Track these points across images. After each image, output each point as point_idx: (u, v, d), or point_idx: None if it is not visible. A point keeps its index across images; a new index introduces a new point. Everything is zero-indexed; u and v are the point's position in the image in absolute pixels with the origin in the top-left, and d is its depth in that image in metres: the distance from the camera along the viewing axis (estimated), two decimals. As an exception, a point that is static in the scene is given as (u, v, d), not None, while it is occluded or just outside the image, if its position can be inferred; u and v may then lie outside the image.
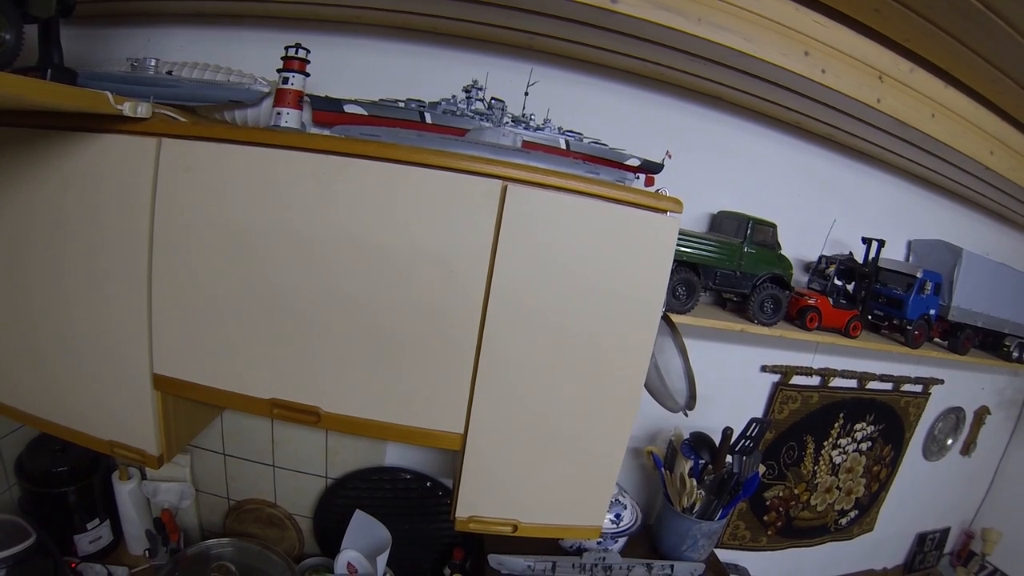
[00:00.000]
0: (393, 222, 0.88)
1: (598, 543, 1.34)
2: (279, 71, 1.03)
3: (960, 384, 2.09)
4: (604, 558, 1.33)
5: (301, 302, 0.91)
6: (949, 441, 2.21)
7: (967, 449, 2.27)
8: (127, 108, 0.84)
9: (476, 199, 0.88)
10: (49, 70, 0.85)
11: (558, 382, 0.98)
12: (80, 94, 0.77)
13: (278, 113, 1.04)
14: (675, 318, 1.23)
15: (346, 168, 0.88)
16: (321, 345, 0.93)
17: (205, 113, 1.16)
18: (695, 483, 1.38)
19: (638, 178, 1.15)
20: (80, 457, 1.37)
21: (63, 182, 0.92)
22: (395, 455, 1.50)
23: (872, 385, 1.85)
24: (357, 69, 1.28)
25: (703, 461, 1.41)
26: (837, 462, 1.90)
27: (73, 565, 1.33)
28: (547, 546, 1.37)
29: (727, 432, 1.38)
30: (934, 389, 2.01)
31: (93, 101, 0.78)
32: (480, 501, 1.06)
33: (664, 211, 0.94)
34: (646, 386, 1.16)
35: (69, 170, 0.91)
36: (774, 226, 1.36)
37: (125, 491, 1.43)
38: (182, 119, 0.99)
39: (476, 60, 1.29)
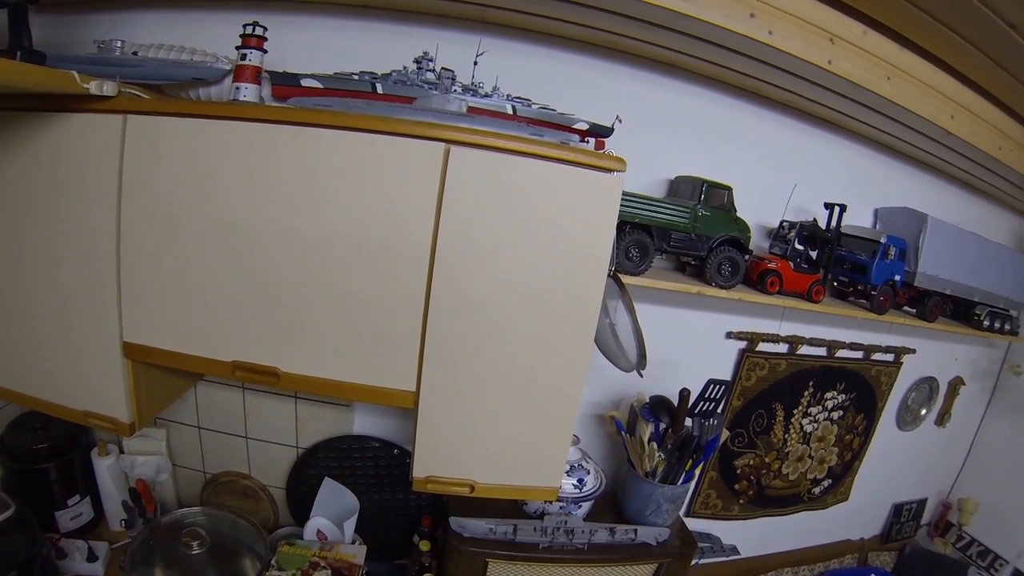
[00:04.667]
0: (342, 185, 0.91)
1: (560, 507, 1.37)
2: (238, 48, 1.06)
3: (932, 354, 2.11)
4: (566, 521, 1.35)
5: (259, 266, 0.95)
6: (923, 411, 2.23)
7: (941, 419, 2.29)
8: (93, 86, 0.87)
9: (420, 162, 0.92)
10: (18, 52, 0.88)
11: (508, 340, 1.00)
12: (47, 73, 0.80)
13: (237, 88, 1.08)
14: (631, 280, 1.25)
15: (296, 136, 0.91)
16: (280, 308, 0.97)
17: (170, 92, 1.19)
18: (655, 447, 1.40)
19: (587, 142, 1.17)
20: (60, 435, 1.39)
21: (35, 161, 0.95)
22: (363, 423, 1.53)
23: (842, 353, 1.87)
24: (315, 47, 1.30)
25: (663, 424, 1.43)
26: (808, 431, 1.92)
27: (55, 540, 1.36)
28: (510, 510, 1.40)
29: (684, 394, 1.40)
30: (906, 359, 2.02)
31: (60, 80, 0.82)
32: (437, 461, 1.09)
33: (609, 170, 0.96)
34: (601, 347, 1.19)
35: (39, 149, 0.95)
36: (729, 189, 1.38)
37: (104, 467, 1.46)
38: (147, 97, 1.02)
39: (430, 35, 1.30)
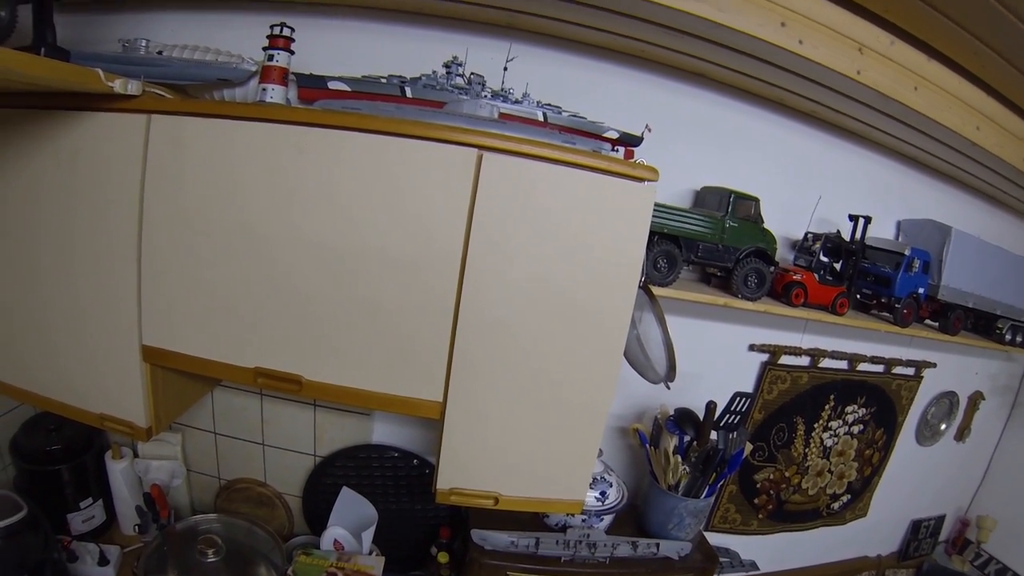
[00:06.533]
0: (369, 189, 0.90)
1: (583, 520, 1.34)
2: (264, 49, 1.06)
3: (953, 368, 2.08)
4: (588, 535, 1.33)
5: (283, 272, 0.93)
6: (943, 426, 2.20)
7: (961, 435, 2.26)
8: (118, 85, 0.86)
9: (451, 167, 0.90)
10: (43, 48, 0.87)
11: (537, 350, 0.98)
12: (71, 70, 0.79)
13: (263, 89, 1.07)
14: (658, 291, 1.24)
15: (324, 139, 0.90)
16: (303, 314, 0.95)
17: (195, 92, 1.18)
18: (679, 459, 1.38)
19: (617, 151, 1.16)
20: (74, 437, 1.38)
21: (55, 160, 0.94)
22: (382, 433, 1.51)
23: (863, 367, 1.85)
24: (342, 50, 1.30)
25: (688, 437, 1.41)
26: (828, 445, 1.89)
27: (67, 543, 1.34)
28: (532, 523, 1.38)
29: (710, 406, 1.38)
30: (926, 372, 2.00)
31: (84, 77, 0.81)
32: (461, 473, 1.07)
33: (641, 179, 0.95)
34: (628, 359, 1.17)
35: (59, 148, 0.93)
36: (756, 200, 1.36)
37: (117, 470, 1.44)
38: (171, 97, 1.01)
39: (458, 39, 1.30)
